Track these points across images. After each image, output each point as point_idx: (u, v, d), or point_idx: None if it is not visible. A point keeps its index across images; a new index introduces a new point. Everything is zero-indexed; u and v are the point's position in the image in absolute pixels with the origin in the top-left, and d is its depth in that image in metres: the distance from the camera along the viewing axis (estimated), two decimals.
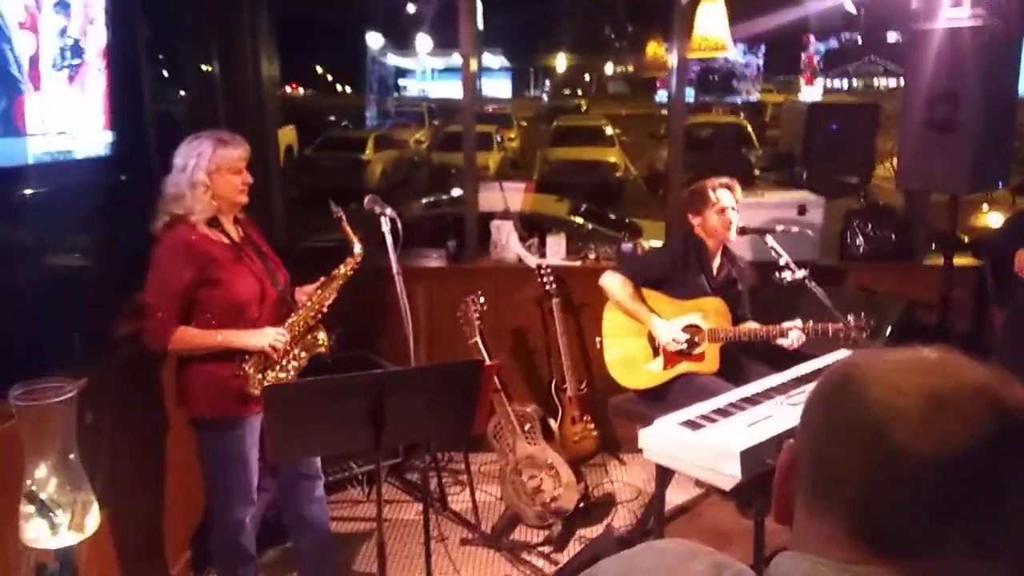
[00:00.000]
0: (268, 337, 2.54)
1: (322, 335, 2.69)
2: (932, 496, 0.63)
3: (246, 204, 2.63)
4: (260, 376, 2.54)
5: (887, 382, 0.67)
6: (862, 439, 0.66)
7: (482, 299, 3.60)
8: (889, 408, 0.65)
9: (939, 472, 0.63)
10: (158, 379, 2.89)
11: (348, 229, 2.72)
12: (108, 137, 2.91)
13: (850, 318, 3.00)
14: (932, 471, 0.63)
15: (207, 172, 2.47)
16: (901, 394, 0.66)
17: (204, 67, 4.18)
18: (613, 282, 3.26)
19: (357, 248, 2.72)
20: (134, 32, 3.11)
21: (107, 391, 2.57)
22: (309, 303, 2.66)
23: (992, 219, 7.96)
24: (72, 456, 1.70)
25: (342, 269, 2.71)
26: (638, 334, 3.28)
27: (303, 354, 2.65)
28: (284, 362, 2.60)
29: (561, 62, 36.71)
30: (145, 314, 2.48)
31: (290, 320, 2.62)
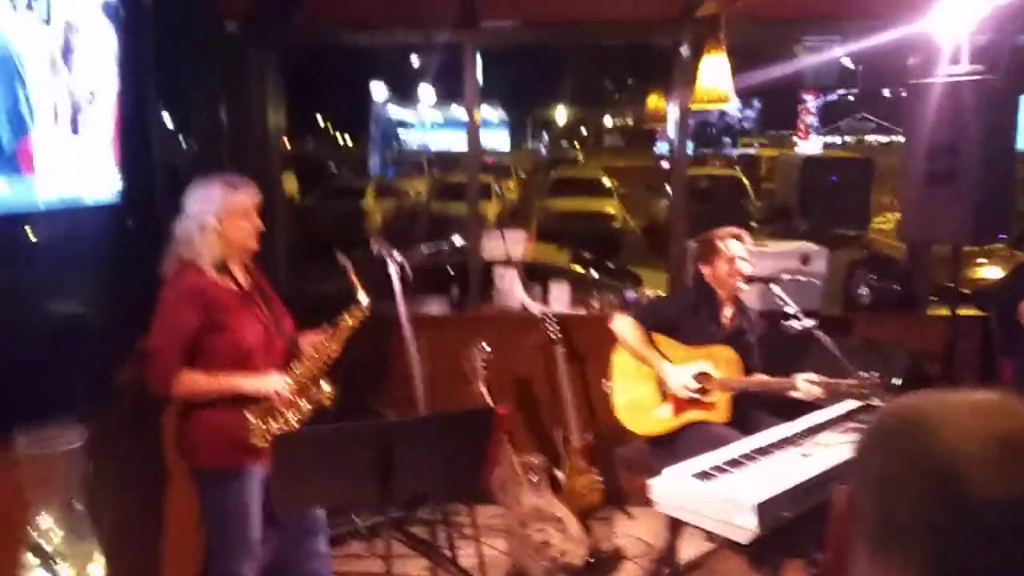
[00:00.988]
0: (273, 383, 2.51)
1: (326, 387, 2.65)
2: (1006, 541, 0.62)
3: (255, 250, 2.62)
4: (264, 427, 2.50)
5: (953, 425, 0.66)
6: (931, 484, 0.65)
7: (487, 347, 3.57)
8: (958, 452, 0.64)
9: (1012, 517, 0.62)
10: (160, 428, 2.84)
11: (355, 279, 2.70)
12: (117, 183, 2.92)
13: (862, 374, 2.96)
14: (1005, 515, 0.62)
15: (217, 216, 2.48)
16: (969, 438, 0.65)
17: (211, 116, 4.22)
18: (624, 325, 3.24)
19: (363, 299, 2.68)
20: (145, 79, 3.14)
21: (110, 439, 2.52)
22: (315, 354, 2.63)
23: (989, 272, 7.95)
24: (77, 507, 1.66)
25: (348, 320, 2.66)
26: (647, 379, 3.25)
27: (307, 406, 2.61)
28: (288, 414, 2.56)
29: (561, 114, 37.31)
30: (150, 358, 2.46)
31: (295, 370, 2.59)
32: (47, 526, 1.60)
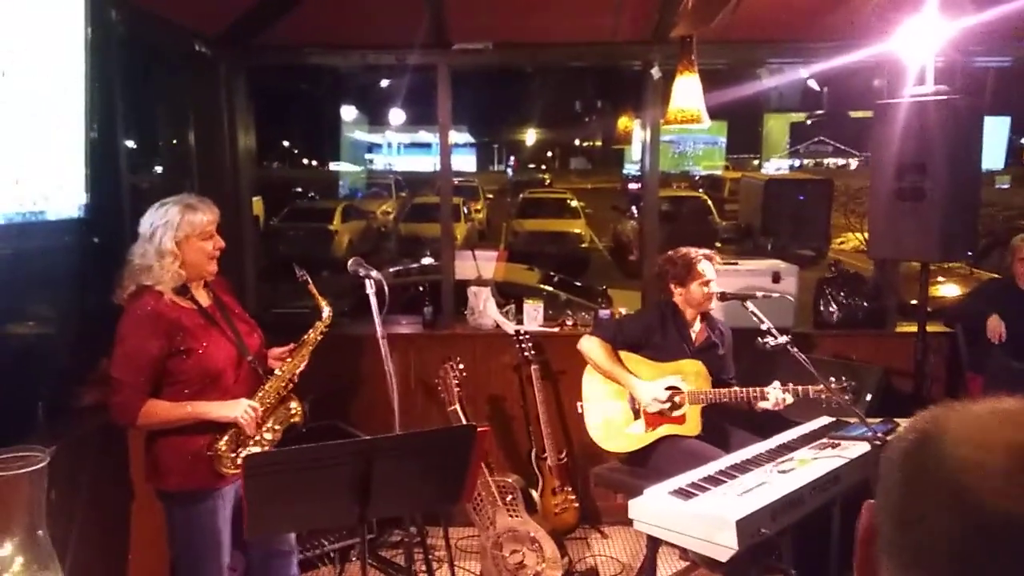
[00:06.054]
0: (239, 408, 2.43)
1: (295, 404, 2.60)
2: None
3: (215, 272, 2.53)
4: (233, 455, 2.44)
5: (970, 438, 0.63)
6: (945, 500, 0.61)
7: (460, 365, 3.54)
8: (973, 465, 0.61)
9: None
10: (125, 449, 2.75)
11: (315, 291, 2.68)
12: (83, 199, 2.84)
13: (831, 380, 2.98)
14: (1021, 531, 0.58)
15: (175, 240, 2.38)
16: (985, 449, 0.61)
17: (179, 137, 4.15)
18: (591, 345, 3.24)
19: (326, 311, 2.67)
20: (113, 96, 3.08)
21: (72, 463, 2.43)
22: (280, 372, 2.58)
23: (947, 290, 8.05)
24: (40, 532, 1.58)
25: (312, 334, 2.65)
26: (618, 397, 3.24)
27: (277, 426, 2.56)
28: (258, 436, 2.50)
29: (530, 137, 37.58)
30: (112, 388, 2.35)
31: (261, 391, 2.53)
32: (7, 554, 1.52)
